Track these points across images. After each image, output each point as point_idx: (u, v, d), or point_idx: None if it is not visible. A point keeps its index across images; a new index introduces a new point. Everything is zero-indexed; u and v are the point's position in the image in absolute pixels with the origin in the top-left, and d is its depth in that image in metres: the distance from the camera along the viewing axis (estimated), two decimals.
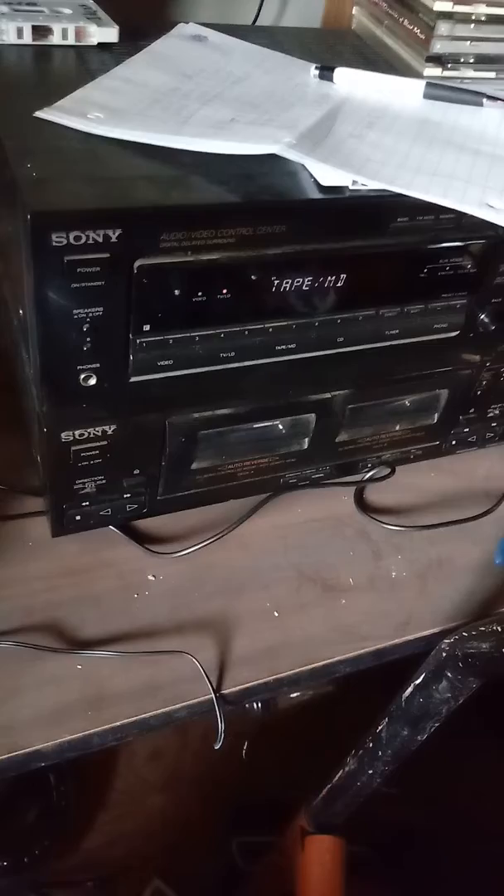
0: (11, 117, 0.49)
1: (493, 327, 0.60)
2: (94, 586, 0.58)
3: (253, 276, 0.48)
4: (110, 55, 0.60)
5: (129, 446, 0.54)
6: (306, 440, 0.62)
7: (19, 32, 0.59)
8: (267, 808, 1.05)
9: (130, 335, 0.47)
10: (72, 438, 0.52)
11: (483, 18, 0.65)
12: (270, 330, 0.52)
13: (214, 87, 0.57)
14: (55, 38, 0.60)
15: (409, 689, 0.59)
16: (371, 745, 0.67)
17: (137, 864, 1.13)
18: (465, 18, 0.65)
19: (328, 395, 0.60)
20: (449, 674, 0.54)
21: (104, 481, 0.56)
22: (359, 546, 0.65)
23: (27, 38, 0.59)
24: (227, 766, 1.19)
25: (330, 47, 0.73)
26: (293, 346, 0.53)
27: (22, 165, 0.43)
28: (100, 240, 0.41)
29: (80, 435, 0.52)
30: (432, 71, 0.67)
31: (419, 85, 0.61)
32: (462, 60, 0.67)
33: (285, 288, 0.49)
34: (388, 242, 0.51)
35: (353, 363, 0.57)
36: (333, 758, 0.75)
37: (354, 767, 0.70)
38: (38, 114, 0.49)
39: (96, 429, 0.52)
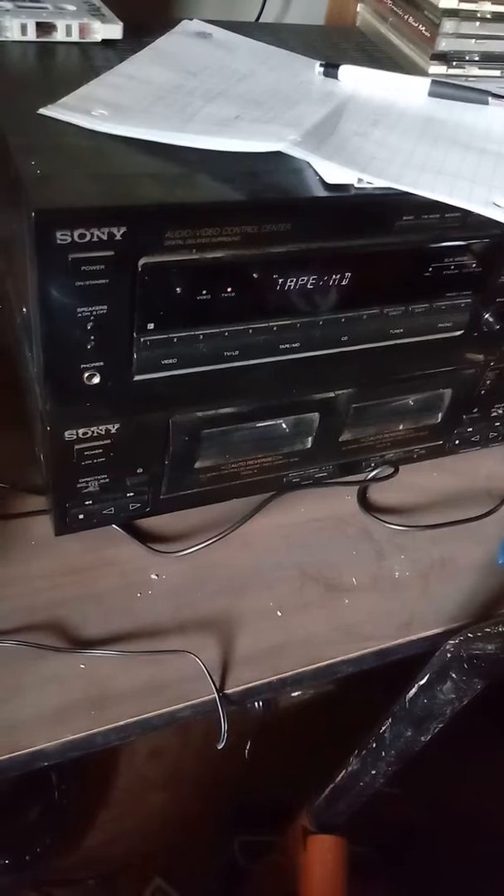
0: (16, 114, 0.49)
1: (498, 327, 0.60)
2: (97, 585, 0.58)
3: (257, 275, 0.48)
4: (114, 52, 0.60)
5: (133, 445, 0.54)
6: (310, 439, 0.62)
7: (23, 29, 0.59)
8: (268, 807, 1.05)
9: (134, 333, 0.47)
10: (75, 437, 0.51)
11: (489, 16, 0.65)
12: (275, 329, 0.51)
13: (219, 85, 0.57)
14: (59, 35, 0.60)
15: (413, 690, 0.59)
16: (374, 745, 0.66)
17: (138, 862, 1.13)
18: (470, 16, 0.65)
19: (332, 394, 0.60)
20: (453, 675, 0.54)
21: (107, 480, 0.56)
22: (362, 545, 0.65)
23: (31, 35, 0.59)
24: (229, 765, 1.19)
25: (334, 44, 0.73)
26: (297, 344, 0.53)
27: (26, 162, 0.43)
28: (104, 238, 0.41)
29: (84, 433, 0.52)
30: (437, 69, 0.66)
31: (424, 83, 0.61)
32: (467, 58, 0.67)
33: (290, 286, 0.49)
34: (393, 241, 0.50)
35: (357, 362, 0.57)
36: (335, 757, 0.75)
37: (357, 767, 0.70)
38: (43, 111, 0.49)
39: (100, 427, 0.52)
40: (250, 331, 0.51)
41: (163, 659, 0.54)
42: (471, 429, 0.70)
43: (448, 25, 0.64)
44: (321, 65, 0.62)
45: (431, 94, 0.60)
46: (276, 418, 0.60)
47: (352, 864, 0.79)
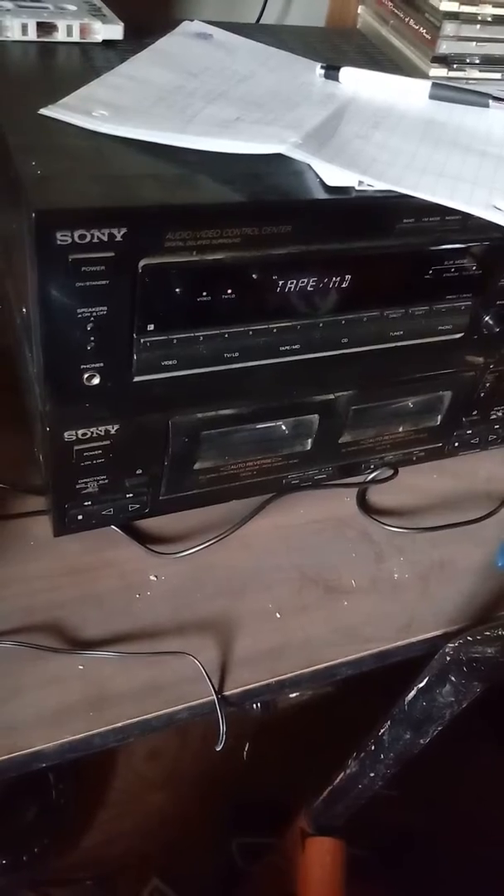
0: (16, 114, 0.49)
1: (498, 329, 0.60)
2: (96, 586, 0.58)
3: (257, 277, 0.48)
4: (115, 52, 0.60)
5: (132, 446, 0.54)
6: (309, 441, 0.62)
7: (24, 29, 0.59)
8: (267, 808, 1.05)
9: (134, 335, 0.47)
10: (74, 438, 0.51)
11: (489, 19, 0.65)
12: (275, 330, 0.51)
13: (219, 86, 0.57)
14: (60, 35, 0.60)
15: (412, 693, 0.59)
16: (373, 747, 0.66)
17: (136, 862, 1.13)
18: (471, 19, 0.65)
19: (332, 396, 0.60)
20: (453, 678, 0.54)
21: (106, 481, 0.56)
22: (361, 547, 0.65)
23: (32, 35, 0.59)
24: (227, 767, 1.19)
25: (335, 47, 0.73)
26: (297, 346, 0.53)
27: (26, 163, 0.43)
28: (104, 239, 0.41)
29: (83, 434, 0.51)
30: (438, 71, 0.66)
31: (425, 85, 0.61)
32: (468, 61, 0.67)
33: (290, 288, 0.49)
34: (394, 243, 0.50)
35: (357, 364, 0.57)
36: (334, 759, 0.75)
37: (356, 770, 0.70)
38: (43, 111, 0.49)
39: (99, 428, 0.52)
40: (250, 332, 0.51)
41: (161, 660, 0.54)
42: (470, 431, 0.70)
43: (449, 28, 0.65)
44: (322, 67, 0.62)
45: (432, 96, 0.60)
46: (275, 420, 0.60)
47: (350, 867, 0.79)
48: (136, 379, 0.49)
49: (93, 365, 0.47)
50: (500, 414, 0.70)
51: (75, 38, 0.60)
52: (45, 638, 0.54)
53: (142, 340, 0.47)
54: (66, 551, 0.59)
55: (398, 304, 0.54)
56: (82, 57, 0.59)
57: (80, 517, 0.57)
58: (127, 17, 0.62)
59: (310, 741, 1.13)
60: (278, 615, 0.59)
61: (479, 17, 0.65)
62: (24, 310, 0.50)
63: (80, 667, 0.53)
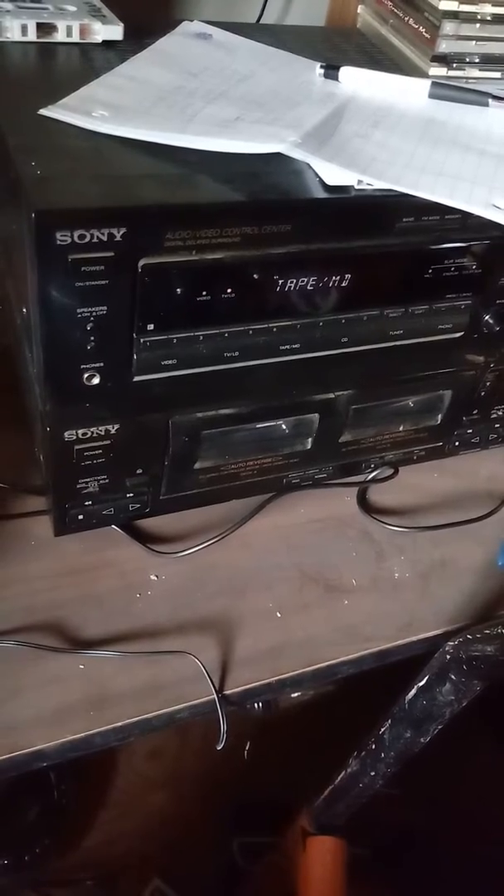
0: (16, 115, 0.49)
1: (498, 328, 0.60)
2: (97, 586, 0.58)
3: (257, 276, 0.48)
4: (115, 53, 0.60)
5: (132, 446, 0.54)
6: (309, 440, 0.62)
7: (24, 30, 0.59)
8: (268, 808, 1.05)
9: (134, 334, 0.47)
10: (75, 437, 0.51)
11: (489, 18, 0.65)
12: (274, 329, 0.51)
13: (219, 86, 0.57)
14: (60, 36, 0.60)
15: (413, 692, 0.59)
16: (373, 746, 0.66)
17: (137, 863, 1.13)
18: (470, 18, 0.65)
19: (332, 396, 0.60)
20: (453, 676, 0.54)
21: (107, 480, 0.56)
22: (361, 547, 0.65)
23: (31, 36, 0.59)
24: (228, 766, 1.19)
25: (335, 46, 0.73)
26: (297, 345, 0.53)
27: (26, 163, 0.43)
28: (104, 238, 0.41)
29: (83, 434, 0.52)
30: (437, 70, 0.66)
31: (424, 84, 0.61)
32: (467, 60, 0.67)
33: (290, 287, 0.49)
34: (393, 242, 0.51)
35: (357, 363, 0.57)
36: (335, 758, 0.75)
37: (356, 769, 0.70)
38: (43, 111, 0.49)
39: (99, 428, 0.52)
40: (250, 332, 0.51)
41: (162, 660, 0.54)
42: (470, 430, 0.70)
43: (448, 27, 0.65)
44: (322, 66, 0.62)
45: (432, 95, 0.61)
46: (275, 419, 0.60)
47: (351, 866, 0.80)
48: (136, 378, 0.49)
49: (93, 365, 0.47)
50: (500, 413, 0.70)
51: (75, 38, 0.60)
52: (46, 637, 0.54)
53: (142, 340, 0.47)
54: (67, 551, 0.59)
55: (398, 303, 0.54)
56: (82, 57, 0.59)
57: (80, 517, 0.57)
58: (126, 18, 0.62)
59: (311, 740, 1.13)
60: (279, 614, 0.59)
61: (479, 17, 0.65)
62: (24, 310, 0.50)
63: (81, 666, 0.53)
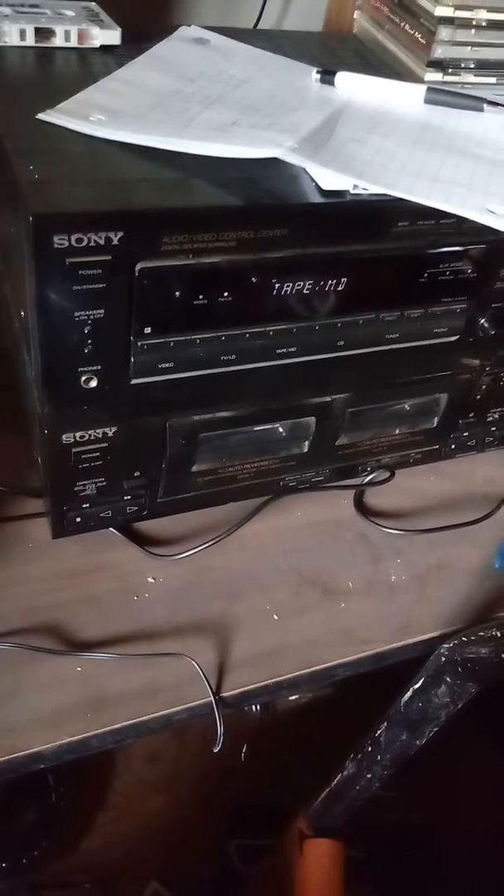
0: (14, 119, 0.49)
1: (493, 332, 0.60)
2: (94, 588, 0.58)
3: (254, 280, 0.48)
4: (113, 58, 0.60)
5: (130, 448, 0.54)
6: (306, 443, 0.62)
7: (22, 34, 0.59)
8: (265, 810, 1.05)
9: (131, 337, 0.47)
10: (72, 440, 0.52)
11: (484, 24, 0.66)
12: (271, 333, 0.52)
13: (216, 90, 0.57)
14: (58, 41, 0.60)
15: (409, 694, 0.59)
16: (370, 748, 0.67)
17: (135, 865, 1.13)
18: (466, 24, 0.65)
19: (328, 399, 0.60)
20: (448, 678, 0.54)
21: (104, 483, 0.56)
22: (358, 549, 0.65)
23: (30, 40, 0.59)
24: (226, 769, 1.19)
25: (331, 51, 0.74)
26: (294, 349, 0.53)
27: (24, 167, 0.43)
28: (101, 242, 0.42)
29: (81, 437, 0.52)
30: (433, 76, 0.67)
31: (420, 90, 0.61)
32: (463, 65, 0.67)
33: (286, 291, 0.50)
34: (389, 247, 0.51)
35: (354, 367, 0.57)
36: (332, 761, 0.75)
37: (353, 771, 0.70)
38: (41, 116, 0.49)
39: (97, 431, 0.52)
40: (247, 335, 0.51)
41: (159, 662, 0.54)
42: (467, 433, 0.71)
43: (444, 33, 0.65)
44: (318, 71, 0.63)
45: (427, 100, 0.61)
46: (272, 422, 0.60)
47: (348, 868, 0.80)
48: (134, 381, 0.49)
49: (90, 368, 0.47)
50: (496, 416, 0.71)
51: (73, 43, 0.61)
52: (44, 640, 0.54)
53: (139, 343, 0.47)
54: (65, 553, 0.59)
55: (394, 307, 0.55)
56: (80, 62, 0.60)
57: (78, 519, 0.57)
58: (124, 23, 0.63)
59: (308, 743, 1.13)
60: (276, 617, 0.59)
61: (474, 22, 0.65)
62: (22, 313, 0.50)
63: (79, 668, 0.53)
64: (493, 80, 0.68)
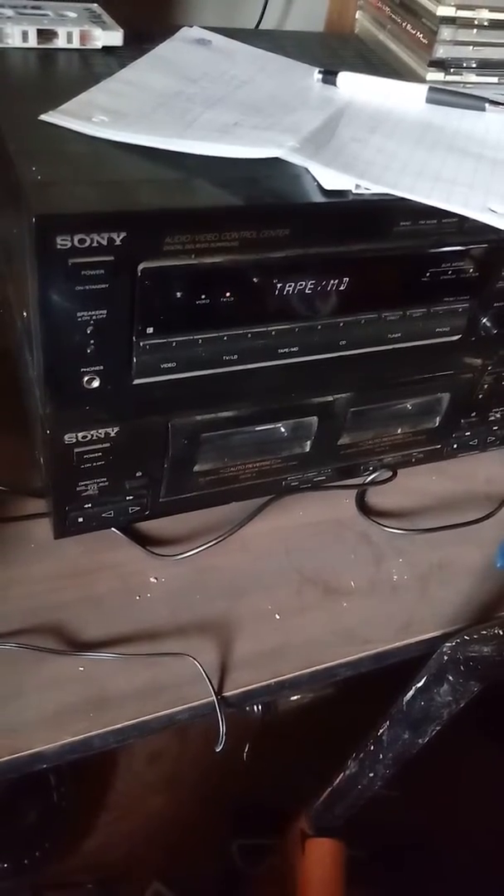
0: (17, 120, 0.49)
1: (495, 331, 0.60)
2: (96, 588, 0.58)
3: (256, 280, 0.48)
4: (115, 59, 0.60)
5: (132, 448, 0.54)
6: (308, 443, 0.62)
7: (24, 36, 0.59)
8: (267, 810, 1.05)
9: (134, 338, 0.47)
10: (74, 440, 0.52)
11: (486, 23, 0.66)
12: (273, 333, 0.52)
13: (218, 91, 0.58)
14: (60, 42, 0.60)
15: (411, 693, 0.59)
16: (372, 748, 0.67)
17: (137, 865, 1.13)
18: (467, 23, 0.65)
19: (330, 398, 0.60)
20: (450, 677, 0.54)
21: (106, 483, 0.56)
22: (360, 549, 0.65)
23: (32, 42, 0.59)
24: (227, 769, 1.19)
25: (333, 51, 0.74)
26: (296, 349, 0.53)
27: (27, 168, 0.43)
28: (104, 243, 0.42)
29: (83, 437, 0.52)
30: (435, 75, 0.67)
31: (422, 89, 0.61)
32: (465, 65, 0.67)
33: (288, 291, 0.50)
34: (391, 246, 0.51)
35: (356, 366, 0.57)
36: (333, 760, 0.75)
37: (355, 770, 0.71)
38: (43, 117, 0.49)
39: (99, 431, 0.52)
40: (249, 335, 0.51)
41: (161, 662, 0.54)
42: (469, 433, 0.71)
43: (445, 33, 0.65)
44: (320, 71, 0.63)
45: (429, 100, 0.61)
46: (274, 422, 0.60)
47: (350, 867, 0.80)
48: (136, 382, 0.49)
49: (93, 368, 0.47)
50: (498, 415, 0.71)
51: (75, 44, 0.61)
52: (46, 640, 0.54)
53: (141, 343, 0.47)
54: (67, 553, 0.59)
55: (396, 307, 0.55)
56: (82, 63, 0.60)
57: (80, 519, 0.57)
58: (126, 24, 0.63)
59: (309, 743, 1.13)
60: (278, 616, 0.59)
61: (476, 22, 0.65)
62: (24, 313, 0.50)
63: (81, 668, 0.53)
64: (494, 79, 0.68)
